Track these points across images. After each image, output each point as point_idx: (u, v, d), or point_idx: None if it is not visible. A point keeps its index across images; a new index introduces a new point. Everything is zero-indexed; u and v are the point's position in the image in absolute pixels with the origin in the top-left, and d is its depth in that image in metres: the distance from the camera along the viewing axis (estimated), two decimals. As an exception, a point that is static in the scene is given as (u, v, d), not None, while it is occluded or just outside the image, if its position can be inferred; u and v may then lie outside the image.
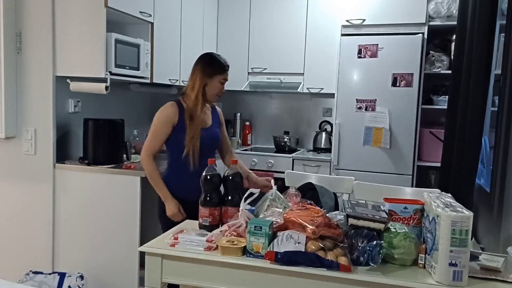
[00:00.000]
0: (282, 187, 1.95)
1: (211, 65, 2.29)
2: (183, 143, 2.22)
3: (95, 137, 2.79)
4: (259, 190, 1.72)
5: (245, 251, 1.54)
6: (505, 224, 2.06)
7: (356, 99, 3.61)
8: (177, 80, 3.62)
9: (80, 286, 2.61)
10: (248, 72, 4.27)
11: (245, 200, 1.68)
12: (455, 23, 2.98)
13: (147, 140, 2.27)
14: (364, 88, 3.59)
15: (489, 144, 2.58)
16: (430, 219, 1.47)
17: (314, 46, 4.03)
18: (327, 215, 1.59)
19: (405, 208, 1.63)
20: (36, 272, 2.65)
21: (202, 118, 2.29)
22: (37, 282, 2.58)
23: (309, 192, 2.19)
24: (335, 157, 3.68)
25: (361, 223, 1.52)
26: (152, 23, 3.19)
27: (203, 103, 2.27)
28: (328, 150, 4.01)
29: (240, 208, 1.67)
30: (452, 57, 3.41)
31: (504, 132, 2.15)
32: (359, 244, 1.47)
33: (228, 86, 4.74)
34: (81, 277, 2.64)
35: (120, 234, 2.69)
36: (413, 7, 3.53)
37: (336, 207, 2.21)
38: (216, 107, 2.49)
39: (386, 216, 1.57)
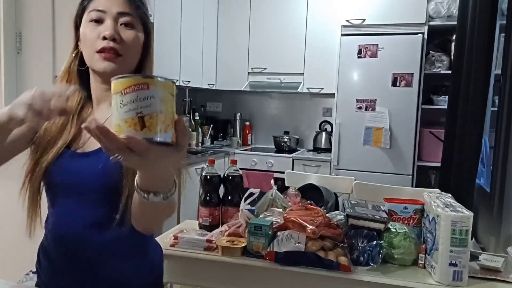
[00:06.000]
0: (282, 187, 1.95)
1: None
2: None
3: (95, 137, 2.79)
4: (259, 190, 1.71)
5: (245, 251, 1.54)
6: (505, 224, 2.06)
7: (356, 99, 3.61)
8: (177, 80, 3.62)
9: (80, 286, 2.61)
10: (248, 72, 4.26)
11: (245, 200, 1.68)
12: (455, 23, 2.98)
13: None
14: (364, 88, 3.58)
15: (489, 144, 2.58)
16: (430, 219, 1.46)
17: (314, 46, 4.03)
18: (327, 215, 1.59)
19: (405, 208, 1.63)
20: (36, 272, 2.64)
21: None
22: (37, 282, 2.58)
23: (309, 192, 2.19)
24: (335, 157, 3.68)
25: (361, 223, 1.52)
26: (152, 23, 3.18)
27: None
28: (328, 150, 4.01)
29: (240, 208, 1.66)
30: (452, 57, 3.41)
31: (504, 132, 2.15)
32: (359, 244, 1.47)
33: (228, 86, 4.75)
34: (81, 277, 2.64)
35: (120, 234, 2.68)
36: (413, 7, 3.53)
37: (336, 207, 2.21)
38: None
39: (386, 216, 1.57)
